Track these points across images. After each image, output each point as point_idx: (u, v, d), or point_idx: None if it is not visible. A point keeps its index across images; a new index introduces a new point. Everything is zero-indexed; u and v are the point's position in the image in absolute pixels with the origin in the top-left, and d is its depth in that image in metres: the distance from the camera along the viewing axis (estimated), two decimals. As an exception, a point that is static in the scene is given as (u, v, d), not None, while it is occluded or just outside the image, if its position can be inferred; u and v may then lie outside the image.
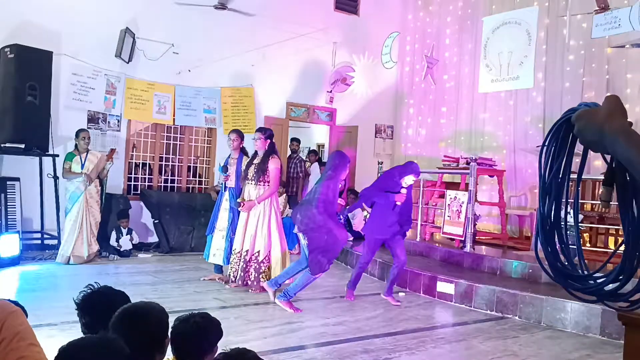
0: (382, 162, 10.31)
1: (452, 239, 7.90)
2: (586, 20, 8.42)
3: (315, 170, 10.40)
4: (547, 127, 9.12)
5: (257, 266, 6.13)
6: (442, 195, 8.35)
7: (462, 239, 7.51)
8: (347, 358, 4.22)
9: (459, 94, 10.82)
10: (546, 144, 1.28)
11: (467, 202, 7.39)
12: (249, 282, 6.15)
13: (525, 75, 8.47)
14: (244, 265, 6.14)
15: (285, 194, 9.72)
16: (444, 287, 6.37)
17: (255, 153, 6.38)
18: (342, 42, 11.04)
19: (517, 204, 9.45)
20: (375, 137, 11.85)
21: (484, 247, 7.95)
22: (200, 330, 2.25)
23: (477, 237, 7.60)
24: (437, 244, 8.18)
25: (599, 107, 1.14)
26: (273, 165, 6.20)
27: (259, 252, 6.14)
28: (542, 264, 1.38)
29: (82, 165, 7.48)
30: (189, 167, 9.88)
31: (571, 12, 8.44)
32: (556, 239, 1.31)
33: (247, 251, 6.15)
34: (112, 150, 8.07)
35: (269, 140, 6.30)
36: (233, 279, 6.27)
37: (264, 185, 6.19)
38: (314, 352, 4.32)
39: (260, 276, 6.13)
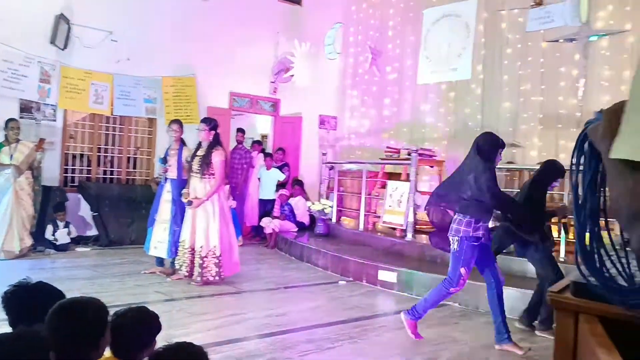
0: (325, 153, 10.37)
1: (394, 229, 8.03)
2: (523, 14, 8.67)
3: (259, 161, 10.34)
4: (485, 119, 9.39)
5: (217, 261, 6.06)
6: (384, 186, 8.47)
7: (404, 228, 7.64)
8: (290, 348, 4.23)
9: (401, 85, 10.97)
10: (573, 161, 1.33)
11: (409, 192, 7.51)
12: (211, 278, 6.05)
13: (463, 66, 8.66)
14: (201, 262, 6.03)
15: (229, 185, 9.62)
16: (386, 275, 6.47)
17: (199, 144, 6.28)
18: (285, 32, 10.99)
19: (457, 194, 9.68)
20: (320, 127, 11.88)
21: (424, 235, 8.11)
22: (138, 324, 2.20)
23: (418, 226, 7.76)
24: (379, 234, 8.29)
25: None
26: (217, 157, 6.11)
27: (215, 247, 6.06)
28: (587, 280, 1.34)
29: (12, 157, 7.17)
30: (128, 158, 9.62)
31: (508, 6, 8.69)
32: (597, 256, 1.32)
33: (202, 247, 6.04)
34: (42, 140, 7.76)
35: (213, 132, 6.20)
36: (186, 273, 6.15)
37: (209, 178, 6.10)
38: (257, 343, 4.31)
39: (220, 270, 6.06)
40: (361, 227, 8.57)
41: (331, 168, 10.16)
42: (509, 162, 8.52)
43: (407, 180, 7.86)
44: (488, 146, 4.30)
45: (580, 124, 8.21)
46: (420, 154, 7.86)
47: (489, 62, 9.44)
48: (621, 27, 7.92)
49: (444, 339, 4.65)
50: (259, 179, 10.12)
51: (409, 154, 7.95)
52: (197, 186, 6.12)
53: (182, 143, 6.55)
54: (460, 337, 4.75)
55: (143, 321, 2.24)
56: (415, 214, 7.57)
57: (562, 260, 6.06)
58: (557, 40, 8.39)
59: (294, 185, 10.03)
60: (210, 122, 6.28)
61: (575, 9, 7.29)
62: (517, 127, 9.07)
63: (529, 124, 8.97)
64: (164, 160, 6.50)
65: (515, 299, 5.31)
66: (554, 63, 8.71)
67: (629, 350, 1.17)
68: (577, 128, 8.29)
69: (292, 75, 10.56)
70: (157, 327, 2.30)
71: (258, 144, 10.92)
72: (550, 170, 4.96)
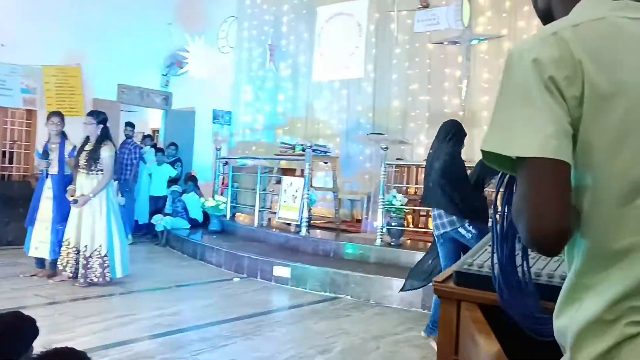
0: (220, 148, 10.21)
1: (289, 224, 8.08)
2: (411, 16, 9.02)
3: (150, 156, 9.99)
4: (376, 116, 9.69)
5: (101, 261, 5.75)
6: (279, 182, 8.49)
7: (298, 223, 7.71)
8: (183, 348, 4.13)
9: (295, 82, 11.03)
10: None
11: (303, 188, 7.59)
12: (95, 279, 5.73)
13: (355, 65, 8.88)
14: (85, 262, 5.70)
15: (117, 181, 9.19)
16: (280, 271, 6.49)
17: (87, 138, 5.94)
18: (178, 24, 10.68)
19: (350, 189, 9.92)
20: (214, 122, 11.67)
21: (318, 230, 8.24)
22: (12, 330, 2.04)
23: (312, 222, 7.84)
24: (274, 230, 8.31)
25: None
26: (107, 152, 5.82)
27: (100, 246, 5.75)
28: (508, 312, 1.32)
29: None
30: (4, 152, 8.93)
31: (398, 7, 8.99)
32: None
33: (86, 246, 5.71)
34: None
35: (102, 125, 5.90)
36: (71, 274, 5.79)
37: (97, 174, 5.80)
38: (148, 344, 4.17)
39: (105, 271, 5.76)
40: (256, 223, 8.54)
41: (225, 164, 10.03)
42: (398, 159, 8.85)
43: (302, 176, 7.93)
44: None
45: (463, 123, 8.68)
46: (314, 150, 7.96)
47: (379, 61, 9.73)
48: (499, 33, 8.47)
49: (336, 332, 4.75)
50: (149, 174, 9.78)
51: (303, 150, 8.02)
52: (84, 183, 5.80)
53: (64, 136, 6.17)
54: (352, 329, 4.87)
55: (17, 327, 2.08)
56: (309, 209, 7.66)
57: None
58: (442, 43, 8.82)
59: (186, 181, 9.79)
60: (99, 116, 5.97)
61: (458, 13, 7.69)
62: (406, 125, 9.43)
63: (417, 122, 9.36)
64: (45, 155, 6.08)
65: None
66: (440, 64, 9.14)
67: (505, 334, 1.25)
68: (461, 126, 8.76)
69: (186, 70, 10.30)
70: (34, 333, 2.15)
71: (149, 139, 10.55)
72: None
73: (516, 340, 1.30)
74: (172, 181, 9.73)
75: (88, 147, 5.86)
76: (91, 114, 6.06)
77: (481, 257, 1.50)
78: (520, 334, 1.39)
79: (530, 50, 0.97)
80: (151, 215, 9.38)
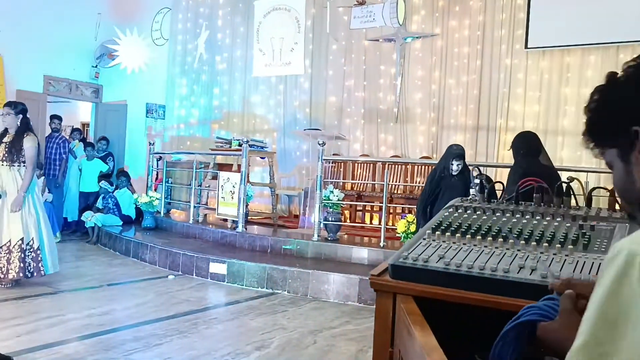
0: (153, 143, 9.97)
1: (225, 220, 7.99)
2: (347, 12, 9.09)
3: (80, 151, 9.63)
4: (313, 112, 9.73)
5: (34, 255, 5.50)
6: (216, 177, 8.38)
7: (237, 219, 7.63)
8: (115, 348, 4.01)
9: (232, 76, 10.91)
10: None
11: (240, 183, 7.52)
12: (17, 277, 5.44)
13: (296, 61, 8.87)
14: (8, 258, 5.41)
15: (43, 177, 8.81)
16: (217, 267, 6.42)
17: (5, 130, 5.66)
18: (109, 14, 10.32)
19: (287, 185, 9.92)
20: (147, 116, 11.37)
21: (255, 226, 8.20)
22: None
23: (249, 217, 7.78)
24: (210, 225, 8.20)
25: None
26: (30, 143, 5.56)
27: (32, 239, 5.50)
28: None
29: None
30: None
31: (335, 3, 9.05)
32: None
33: (9, 241, 5.43)
34: None
35: (21, 116, 5.63)
36: (1, 275, 5.48)
37: (18, 166, 5.53)
38: (77, 346, 4.02)
39: (40, 265, 5.50)
40: (191, 219, 8.40)
41: (159, 159, 9.80)
42: (334, 154, 8.92)
43: (239, 171, 7.85)
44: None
45: (397, 119, 8.87)
46: (251, 145, 7.90)
47: (316, 57, 9.76)
48: (432, 31, 8.67)
49: (273, 327, 4.74)
50: (79, 170, 9.43)
51: (240, 145, 7.94)
52: (6, 176, 5.52)
53: None
54: (288, 324, 4.87)
55: None
56: (247, 205, 7.60)
57: (382, 245, 6.51)
58: (377, 40, 8.95)
59: (118, 176, 9.50)
60: (16, 106, 5.70)
61: (393, 10, 7.81)
62: (342, 121, 9.52)
63: (353, 118, 9.46)
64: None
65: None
66: (375, 61, 9.27)
67: (440, 325, 1.28)
68: (395, 123, 8.94)
69: (118, 63, 9.97)
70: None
71: (78, 133, 10.17)
72: (446, 153, 5.11)
73: (451, 331, 1.34)
74: (104, 176, 9.42)
75: (7, 139, 5.59)
76: (8, 104, 5.78)
77: (416, 251, 1.53)
78: (455, 326, 1.43)
79: None
80: (81, 212, 9.06)
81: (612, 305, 0.74)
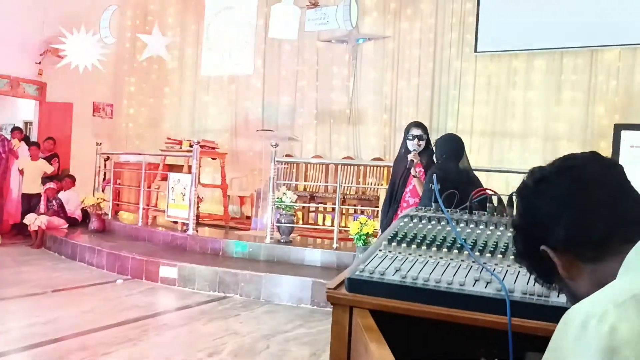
0: (100, 143, 9.68)
1: (176, 222, 7.84)
2: (301, 13, 9.06)
3: (23, 151, 9.25)
4: (266, 112, 9.67)
5: None
6: (166, 178, 8.20)
7: (187, 221, 7.50)
8: (60, 359, 3.86)
9: (182, 74, 10.72)
10: None
11: (190, 185, 7.39)
12: None
13: (246, 61, 8.77)
14: None
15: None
16: (167, 271, 6.28)
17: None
18: (54, 8, 9.96)
19: (239, 186, 9.82)
20: (94, 115, 11.03)
21: (207, 228, 8.07)
22: None
23: (200, 219, 7.66)
24: (160, 228, 8.02)
25: None
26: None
27: None
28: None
29: None
30: None
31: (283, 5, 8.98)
32: None
33: None
34: None
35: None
36: None
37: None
38: (19, 357, 3.86)
39: None
40: (140, 221, 8.20)
41: (107, 159, 9.53)
42: (287, 155, 8.88)
43: (189, 172, 7.71)
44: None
45: (350, 120, 8.92)
46: (202, 146, 7.77)
47: (268, 57, 9.70)
48: (384, 33, 8.75)
49: (226, 332, 4.67)
50: (21, 170, 9.07)
51: (190, 146, 7.80)
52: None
53: None
54: (241, 328, 4.81)
55: None
56: (197, 207, 7.47)
57: (335, 247, 6.52)
58: (330, 41, 8.96)
59: (64, 177, 9.19)
60: None
61: (347, 12, 7.82)
62: (294, 122, 9.49)
63: (306, 118, 9.45)
64: None
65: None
66: (328, 62, 9.29)
67: (396, 340, 1.27)
68: (348, 124, 8.99)
69: (61, 57, 9.62)
70: None
71: (19, 132, 9.79)
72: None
73: (407, 345, 1.33)
74: (48, 177, 9.10)
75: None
76: None
77: (372, 263, 1.52)
78: (411, 339, 1.42)
79: (601, 318, 0.68)
80: (24, 214, 8.71)
81: None
